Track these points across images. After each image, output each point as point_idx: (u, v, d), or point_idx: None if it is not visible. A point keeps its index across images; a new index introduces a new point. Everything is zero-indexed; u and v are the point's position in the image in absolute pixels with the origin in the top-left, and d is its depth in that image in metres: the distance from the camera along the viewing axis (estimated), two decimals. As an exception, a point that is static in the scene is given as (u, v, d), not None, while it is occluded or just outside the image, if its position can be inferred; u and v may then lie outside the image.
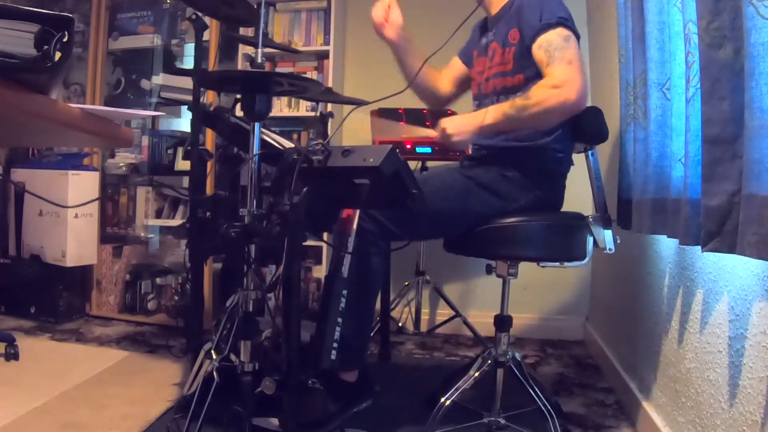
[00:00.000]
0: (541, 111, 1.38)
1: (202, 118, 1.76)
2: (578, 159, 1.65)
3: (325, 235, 1.95)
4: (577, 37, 1.46)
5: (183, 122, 3.01)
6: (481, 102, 1.66)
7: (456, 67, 1.85)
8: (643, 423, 1.57)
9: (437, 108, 1.98)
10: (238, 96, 1.47)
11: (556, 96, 1.37)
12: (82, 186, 2.68)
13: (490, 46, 1.62)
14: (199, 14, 1.78)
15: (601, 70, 2.39)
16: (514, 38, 1.52)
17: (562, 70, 1.38)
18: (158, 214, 2.87)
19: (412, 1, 1.62)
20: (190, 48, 2.88)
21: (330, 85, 2.59)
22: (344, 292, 1.38)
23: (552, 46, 1.41)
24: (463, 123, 1.46)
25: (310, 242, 2.51)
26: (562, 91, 1.37)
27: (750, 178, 0.84)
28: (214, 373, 1.39)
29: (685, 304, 1.33)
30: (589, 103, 1.46)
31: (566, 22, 1.43)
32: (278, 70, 2.78)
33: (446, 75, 1.86)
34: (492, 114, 1.44)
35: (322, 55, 2.74)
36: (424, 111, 2.46)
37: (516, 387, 1.54)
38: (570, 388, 1.98)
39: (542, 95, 1.38)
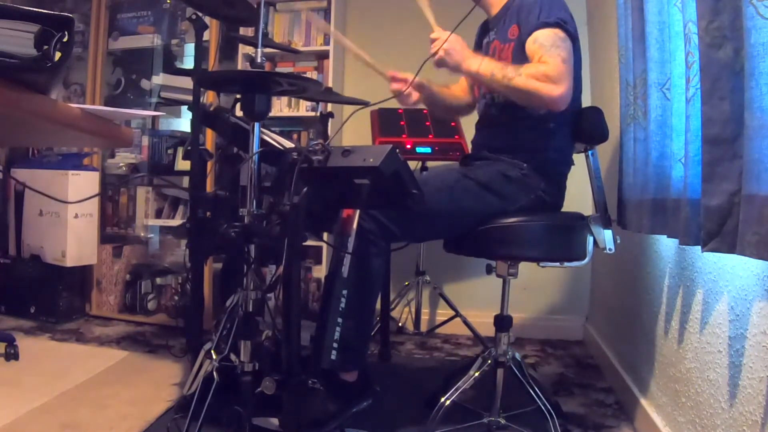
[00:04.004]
0: (525, 88, 1.39)
1: (202, 118, 1.76)
2: (578, 159, 1.65)
3: (325, 235, 1.95)
4: (574, 41, 1.45)
5: (183, 122, 3.01)
6: (485, 100, 1.65)
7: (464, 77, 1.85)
8: (642, 423, 1.57)
9: (469, 114, 1.96)
10: (238, 96, 1.47)
11: (546, 87, 1.37)
12: (82, 186, 2.68)
13: (492, 45, 1.62)
14: (199, 14, 1.78)
15: (601, 70, 2.39)
16: (513, 34, 1.53)
17: (559, 66, 1.38)
18: (158, 214, 2.87)
19: (413, 3, 1.60)
20: (190, 48, 2.88)
21: (330, 85, 2.59)
22: (344, 292, 1.38)
23: (548, 42, 1.41)
24: (460, 53, 1.46)
25: (310, 242, 2.50)
26: (553, 86, 1.37)
27: (750, 178, 0.84)
28: (214, 373, 1.39)
29: (685, 304, 1.33)
30: (588, 103, 1.46)
31: (564, 25, 1.43)
32: (278, 70, 2.78)
33: (461, 85, 1.87)
34: (485, 66, 1.44)
35: (322, 55, 2.74)
36: (424, 111, 2.47)
37: (516, 387, 1.54)
38: (570, 388, 1.98)
39: (534, 77, 1.38)
